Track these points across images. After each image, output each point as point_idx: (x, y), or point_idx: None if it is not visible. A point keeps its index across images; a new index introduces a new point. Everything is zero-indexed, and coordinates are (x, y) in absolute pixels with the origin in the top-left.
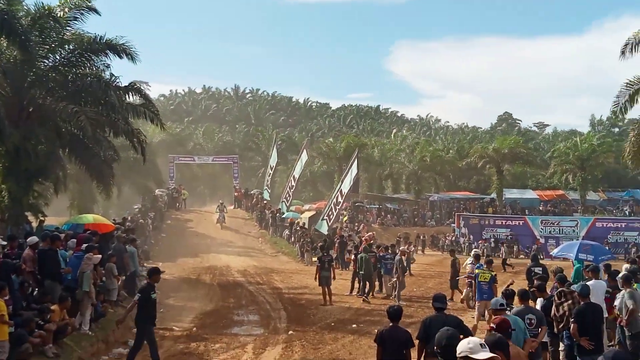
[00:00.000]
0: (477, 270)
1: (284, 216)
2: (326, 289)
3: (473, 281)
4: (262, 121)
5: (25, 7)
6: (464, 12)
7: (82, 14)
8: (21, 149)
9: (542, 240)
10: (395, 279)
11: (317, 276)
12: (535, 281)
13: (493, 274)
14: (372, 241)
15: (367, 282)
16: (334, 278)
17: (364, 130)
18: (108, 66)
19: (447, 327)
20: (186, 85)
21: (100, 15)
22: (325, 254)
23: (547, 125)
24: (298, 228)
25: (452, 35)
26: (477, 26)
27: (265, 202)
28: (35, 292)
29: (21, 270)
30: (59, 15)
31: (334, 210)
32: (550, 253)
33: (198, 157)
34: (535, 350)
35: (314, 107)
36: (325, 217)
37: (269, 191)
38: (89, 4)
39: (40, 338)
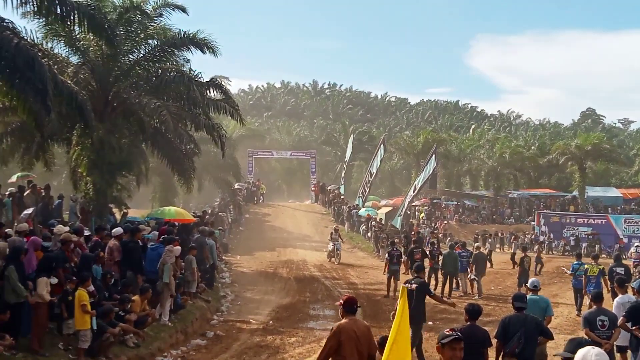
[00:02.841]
0: (586, 266)
1: (360, 212)
2: (393, 283)
3: (584, 276)
4: (340, 116)
5: (111, 1)
6: (546, 5)
7: (167, 11)
8: (106, 142)
9: (625, 240)
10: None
11: (386, 270)
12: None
13: (601, 267)
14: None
15: (449, 280)
16: (404, 272)
17: (442, 125)
18: (188, 61)
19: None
20: (265, 80)
21: (188, 15)
22: (394, 248)
23: (633, 121)
24: (374, 224)
25: (533, 30)
26: (559, 20)
27: (342, 197)
28: (119, 282)
29: (99, 259)
30: (146, 10)
31: (407, 206)
32: None
33: (276, 151)
34: (610, 352)
35: (392, 102)
36: (401, 213)
37: (344, 186)
38: (178, 4)
39: (121, 328)
